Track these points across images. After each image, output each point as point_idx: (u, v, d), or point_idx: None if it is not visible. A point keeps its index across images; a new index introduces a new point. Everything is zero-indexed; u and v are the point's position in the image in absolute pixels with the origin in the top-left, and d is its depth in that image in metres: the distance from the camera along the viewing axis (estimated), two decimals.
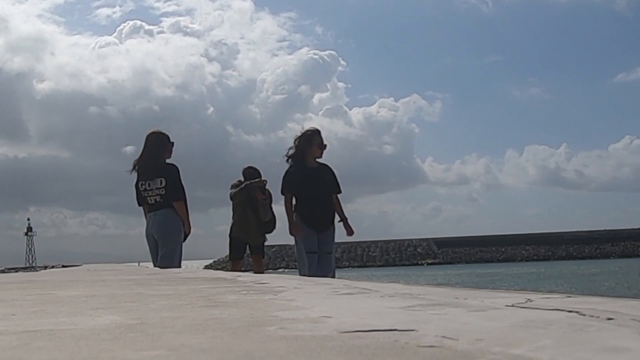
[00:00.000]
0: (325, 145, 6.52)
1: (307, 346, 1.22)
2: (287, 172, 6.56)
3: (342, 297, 2.41)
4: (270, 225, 8.13)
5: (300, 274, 6.20)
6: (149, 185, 6.18)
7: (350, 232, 6.70)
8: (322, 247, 6.52)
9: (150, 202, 6.22)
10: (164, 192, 6.10)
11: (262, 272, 8.02)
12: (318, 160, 6.50)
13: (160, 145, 6.24)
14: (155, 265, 6.37)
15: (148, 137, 6.23)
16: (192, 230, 6.73)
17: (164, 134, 6.37)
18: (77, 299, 2.93)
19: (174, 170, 6.18)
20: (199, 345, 1.27)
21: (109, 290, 3.63)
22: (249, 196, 7.90)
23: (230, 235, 8.20)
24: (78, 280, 5.73)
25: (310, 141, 6.41)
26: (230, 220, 8.27)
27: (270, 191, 8.10)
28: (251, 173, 8.13)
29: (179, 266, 6.25)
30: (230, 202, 8.18)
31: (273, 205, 8.12)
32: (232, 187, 8.17)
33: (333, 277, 6.13)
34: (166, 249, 6.22)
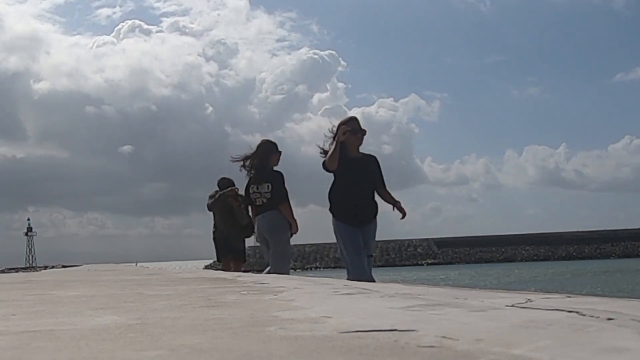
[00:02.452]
0: (365, 131, 5.82)
1: (307, 346, 1.22)
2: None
3: (342, 297, 2.41)
4: (249, 229, 8.56)
5: (349, 279, 5.43)
6: (257, 189, 6.77)
7: (404, 213, 5.97)
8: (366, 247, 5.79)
9: (257, 204, 6.82)
10: (269, 195, 6.72)
11: None
12: (362, 151, 5.87)
13: (270, 153, 6.86)
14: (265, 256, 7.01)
15: (259, 145, 6.87)
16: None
17: (273, 142, 6.99)
18: (77, 299, 2.94)
19: (279, 176, 6.81)
20: (199, 346, 1.27)
21: (109, 290, 3.63)
22: (225, 204, 8.58)
23: (213, 239, 8.98)
24: (78, 280, 5.73)
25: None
26: (212, 228, 9.04)
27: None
28: (225, 183, 8.77)
29: (289, 261, 6.91)
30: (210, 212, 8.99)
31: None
32: (210, 197, 8.86)
33: (367, 276, 5.54)
34: (276, 248, 6.78)
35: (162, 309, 2.19)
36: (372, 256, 5.87)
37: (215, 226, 8.93)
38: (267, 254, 6.93)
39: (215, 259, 9.22)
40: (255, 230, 6.96)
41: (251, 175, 6.89)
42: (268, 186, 6.71)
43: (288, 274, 6.46)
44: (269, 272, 6.52)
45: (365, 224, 5.79)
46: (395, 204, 5.96)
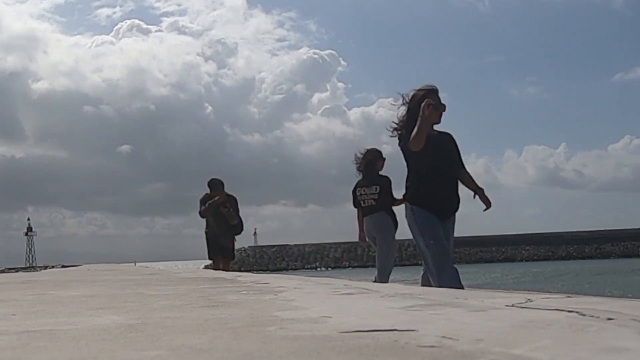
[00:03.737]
0: (444, 106, 4.95)
1: (307, 346, 1.22)
2: (401, 135, 4.96)
3: (342, 297, 2.41)
4: (238, 227, 9.64)
5: (424, 282, 4.74)
6: (364, 191, 7.45)
7: (488, 203, 5.06)
8: None
9: (364, 205, 7.45)
10: (377, 197, 7.37)
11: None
12: (436, 128, 4.98)
13: (376, 159, 7.56)
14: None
15: (367, 152, 7.56)
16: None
17: (378, 150, 7.71)
18: (77, 299, 2.94)
19: (388, 180, 7.53)
20: (199, 346, 1.27)
21: (109, 290, 3.63)
22: (216, 211, 9.34)
23: (206, 239, 9.69)
24: (78, 280, 5.74)
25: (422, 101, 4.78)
26: (204, 229, 9.75)
27: (235, 196, 9.65)
28: (215, 183, 9.54)
29: (393, 258, 7.49)
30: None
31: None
32: (200, 203, 9.50)
33: (457, 280, 4.70)
34: (381, 245, 7.39)
35: (162, 309, 2.19)
36: (452, 253, 5.03)
37: (207, 227, 9.64)
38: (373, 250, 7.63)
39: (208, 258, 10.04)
40: (365, 230, 7.55)
41: (359, 178, 7.56)
42: (376, 188, 7.36)
43: (391, 268, 7.21)
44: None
45: (447, 216, 4.93)
46: (477, 192, 5.09)
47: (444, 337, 1.25)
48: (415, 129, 4.66)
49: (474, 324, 1.44)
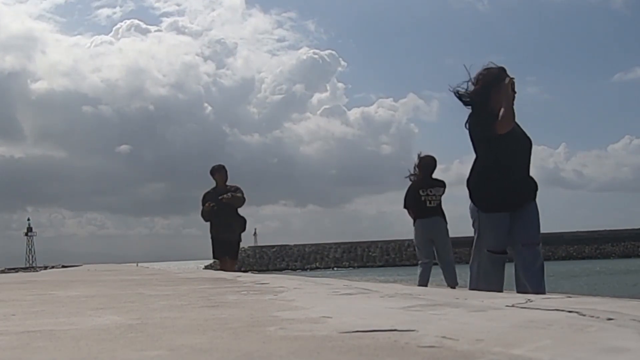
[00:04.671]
0: (515, 90, 4.33)
1: (307, 346, 1.22)
2: (472, 114, 4.50)
3: (342, 297, 2.41)
4: (242, 223, 9.35)
5: (471, 286, 4.36)
6: (430, 192, 7.73)
7: None
8: (521, 235, 4.30)
9: (429, 205, 7.73)
10: (442, 197, 7.76)
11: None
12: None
13: (431, 165, 7.94)
14: (422, 259, 7.86)
15: (422, 158, 7.91)
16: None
17: (433, 157, 8.06)
18: (77, 299, 2.94)
19: (444, 183, 7.95)
20: (199, 346, 1.27)
21: (109, 291, 3.63)
22: (216, 207, 9.02)
23: (211, 237, 9.31)
24: (78, 280, 5.74)
25: (498, 80, 4.28)
26: (209, 229, 9.37)
27: (239, 186, 9.24)
28: (217, 169, 9.20)
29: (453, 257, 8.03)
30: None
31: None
32: (203, 202, 9.10)
33: (540, 280, 4.26)
34: (446, 251, 7.94)
35: (162, 309, 2.19)
36: (536, 244, 4.35)
37: (211, 225, 9.24)
38: (424, 251, 7.81)
39: (213, 257, 9.64)
40: (420, 230, 7.78)
41: (415, 180, 7.80)
42: (443, 190, 7.75)
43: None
44: (423, 277, 7.55)
45: (521, 205, 4.37)
46: None
47: (444, 337, 1.25)
48: (504, 110, 4.17)
49: (474, 324, 1.44)
